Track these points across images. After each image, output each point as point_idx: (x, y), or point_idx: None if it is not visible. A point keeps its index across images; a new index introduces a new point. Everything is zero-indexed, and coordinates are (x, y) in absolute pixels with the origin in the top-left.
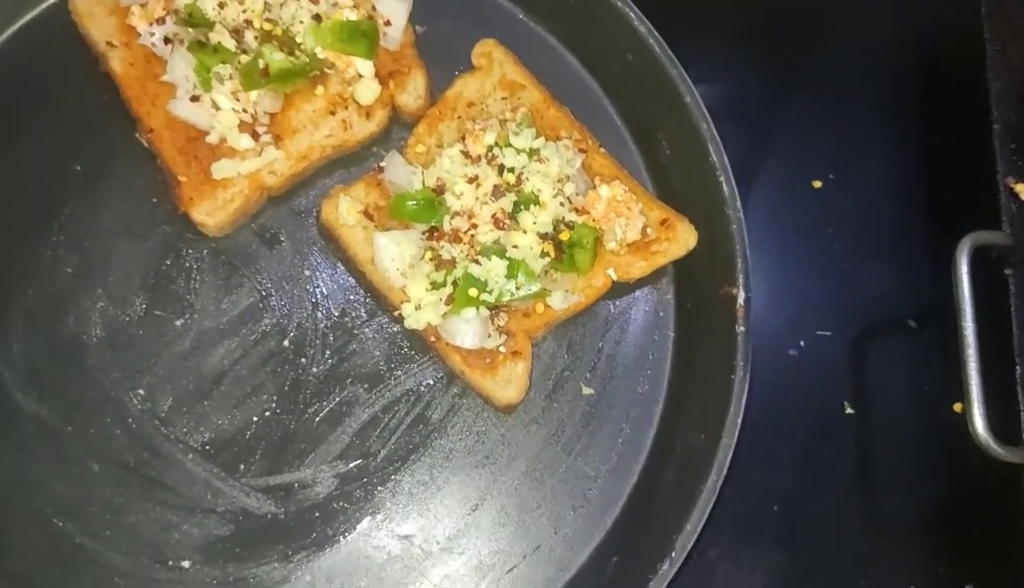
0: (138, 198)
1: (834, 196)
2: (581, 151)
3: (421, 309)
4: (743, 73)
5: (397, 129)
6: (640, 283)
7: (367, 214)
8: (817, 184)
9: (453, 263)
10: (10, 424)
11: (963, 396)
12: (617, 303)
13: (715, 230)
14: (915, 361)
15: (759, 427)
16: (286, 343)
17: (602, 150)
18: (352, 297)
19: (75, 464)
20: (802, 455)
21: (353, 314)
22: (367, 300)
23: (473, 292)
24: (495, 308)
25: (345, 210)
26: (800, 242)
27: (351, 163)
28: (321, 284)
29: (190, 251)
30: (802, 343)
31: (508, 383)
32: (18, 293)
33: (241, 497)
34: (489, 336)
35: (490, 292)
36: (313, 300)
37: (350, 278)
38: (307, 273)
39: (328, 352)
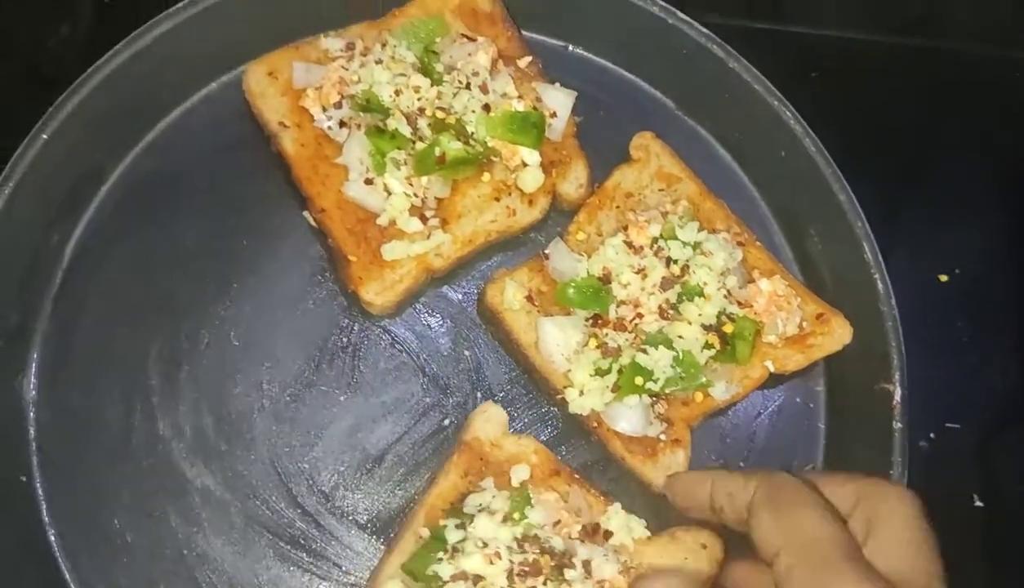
0: (304, 275)
1: (960, 290)
2: (740, 244)
3: (585, 395)
4: (867, 170)
5: (554, 216)
6: (791, 375)
7: (530, 298)
8: (943, 278)
9: (619, 351)
10: (177, 494)
11: None
12: (767, 394)
13: (868, 325)
14: None
15: None
16: (446, 422)
17: (758, 244)
18: (511, 379)
19: (241, 536)
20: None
21: (512, 395)
22: (526, 382)
23: (639, 380)
24: (656, 396)
25: (511, 295)
26: (928, 335)
27: (508, 247)
28: (481, 365)
29: (355, 328)
30: (932, 435)
31: (667, 470)
32: (187, 364)
33: None
34: (650, 424)
35: (655, 381)
36: (472, 380)
37: (509, 360)
38: (467, 354)
39: None
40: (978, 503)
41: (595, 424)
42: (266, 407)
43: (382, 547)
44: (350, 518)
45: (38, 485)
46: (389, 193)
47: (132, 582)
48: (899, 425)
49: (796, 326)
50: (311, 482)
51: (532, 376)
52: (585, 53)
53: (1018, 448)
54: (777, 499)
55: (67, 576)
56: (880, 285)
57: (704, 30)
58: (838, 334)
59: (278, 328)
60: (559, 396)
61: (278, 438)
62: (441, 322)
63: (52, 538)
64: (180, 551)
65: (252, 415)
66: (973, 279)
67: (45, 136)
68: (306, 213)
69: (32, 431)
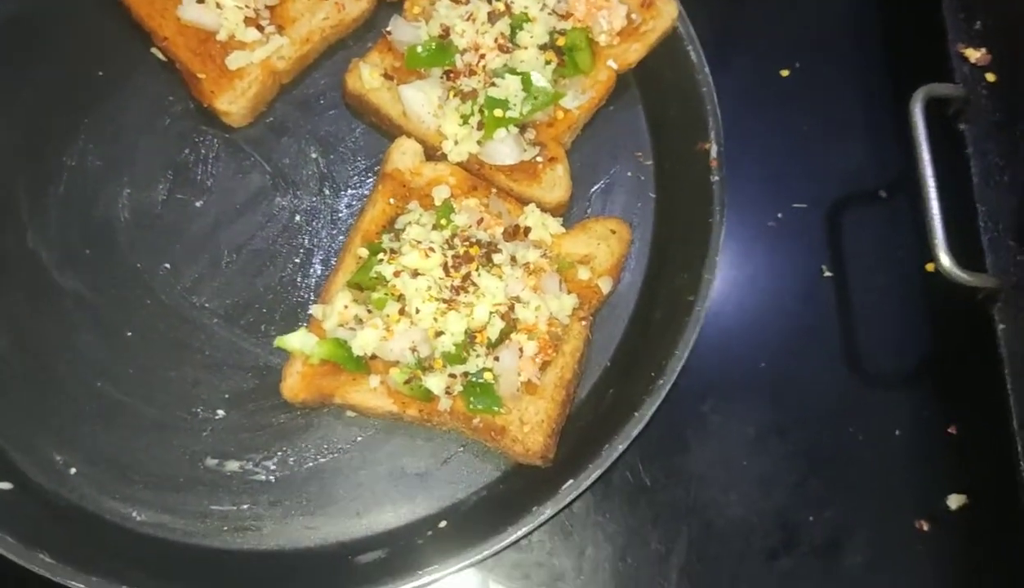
0: (157, 98)
1: (801, 82)
2: None
3: (459, 143)
4: None
5: (384, 9)
6: (620, 151)
7: (387, 76)
8: (784, 72)
9: (475, 94)
10: (51, 299)
11: (927, 234)
12: (603, 170)
13: (687, 95)
14: (887, 226)
15: (743, 293)
16: (298, 218)
17: None
18: (357, 174)
19: (111, 332)
20: (785, 316)
21: (360, 190)
22: (372, 172)
23: (499, 112)
24: (522, 126)
25: (368, 75)
26: (772, 126)
27: (341, 50)
28: (327, 165)
29: (206, 141)
30: (779, 215)
31: (554, 186)
32: (52, 184)
33: (264, 355)
34: (524, 151)
35: (512, 107)
36: (319, 178)
37: (355, 158)
38: (313, 156)
39: (336, 222)
40: (827, 273)
41: (477, 167)
42: (127, 217)
43: (240, 332)
44: (211, 309)
45: None
46: (221, 8)
47: (10, 386)
48: (716, 177)
49: (623, 19)
50: (173, 278)
51: None
52: None
53: (862, 222)
54: None
55: None
56: (694, 56)
57: None
58: (666, 12)
59: (135, 147)
60: (439, 153)
61: (140, 243)
62: (290, 128)
63: None
64: (57, 350)
65: (115, 224)
66: (812, 72)
67: None
68: (154, 50)
69: None
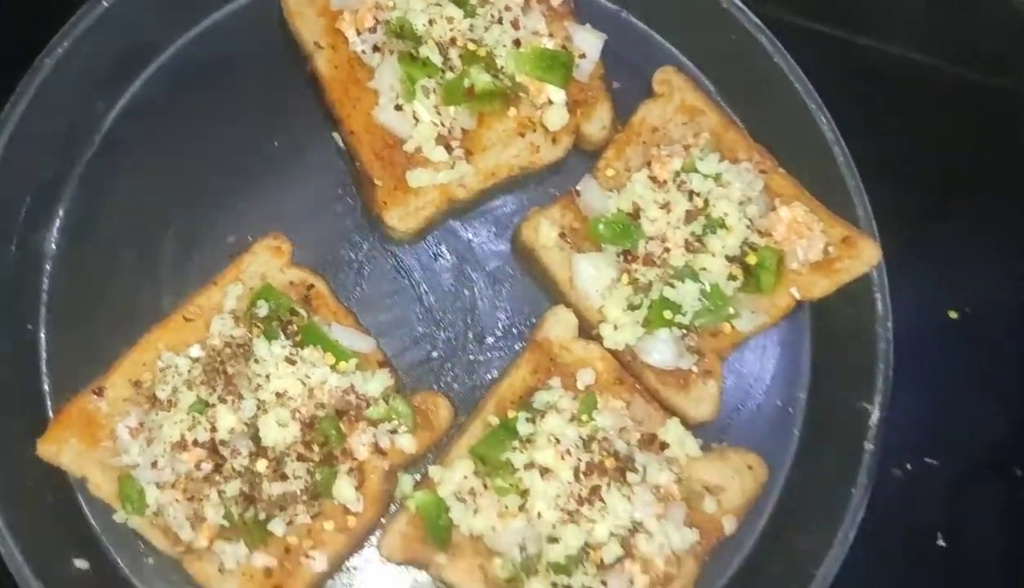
0: (324, 186)
1: (967, 329)
2: (761, 172)
3: (619, 329)
4: (894, 195)
5: (574, 156)
6: (775, 380)
7: (563, 235)
8: (953, 315)
9: (649, 286)
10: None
11: None
12: (749, 399)
13: (862, 347)
14: (1014, 508)
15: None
16: (434, 354)
17: (780, 170)
18: (504, 326)
19: None
20: (891, 576)
21: (504, 342)
22: (518, 327)
23: (668, 314)
24: (686, 329)
25: (545, 232)
26: (926, 369)
27: (522, 189)
28: (477, 306)
29: (365, 246)
30: (908, 466)
31: (700, 402)
32: (198, 250)
33: None
34: (682, 356)
35: (684, 314)
36: (466, 320)
37: (506, 308)
38: (466, 293)
39: (472, 370)
40: (940, 543)
41: (629, 358)
42: None
43: None
44: None
45: (42, 337)
46: (417, 121)
47: None
48: (871, 447)
49: (820, 252)
50: None
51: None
52: (630, 18)
53: (989, 497)
54: None
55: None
56: (880, 308)
57: (756, 20)
58: (865, 256)
59: (293, 232)
60: (594, 332)
61: None
62: (448, 258)
63: (46, 387)
64: None
65: None
66: (982, 320)
67: (105, 4)
68: (335, 134)
69: (46, 284)
